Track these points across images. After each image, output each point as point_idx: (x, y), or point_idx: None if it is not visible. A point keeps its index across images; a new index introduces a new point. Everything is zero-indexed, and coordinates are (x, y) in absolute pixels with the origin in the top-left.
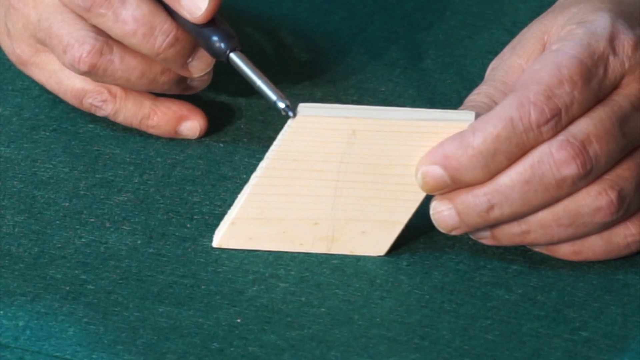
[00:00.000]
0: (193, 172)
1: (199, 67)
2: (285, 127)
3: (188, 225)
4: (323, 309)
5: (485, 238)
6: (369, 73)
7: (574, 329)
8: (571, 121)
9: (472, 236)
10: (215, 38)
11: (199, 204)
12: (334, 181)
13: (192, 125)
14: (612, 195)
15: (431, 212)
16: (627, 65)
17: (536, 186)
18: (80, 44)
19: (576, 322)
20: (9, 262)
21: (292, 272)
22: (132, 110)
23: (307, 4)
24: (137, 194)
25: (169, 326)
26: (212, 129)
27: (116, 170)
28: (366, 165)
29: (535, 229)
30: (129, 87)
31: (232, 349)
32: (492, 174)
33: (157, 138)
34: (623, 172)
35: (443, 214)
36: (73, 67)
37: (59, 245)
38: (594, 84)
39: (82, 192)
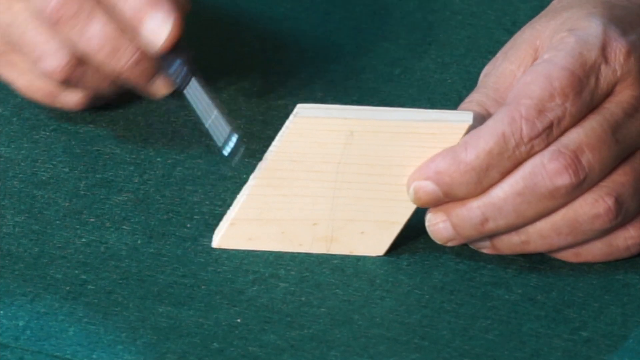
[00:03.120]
0: (193, 172)
1: (162, 88)
2: (284, 128)
3: (188, 225)
4: (323, 309)
5: (485, 248)
6: (369, 73)
7: (574, 329)
8: (563, 133)
9: (471, 246)
10: (177, 62)
11: (199, 204)
12: (333, 182)
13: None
14: (610, 201)
15: (426, 224)
16: (619, 73)
17: (529, 198)
18: (55, 54)
19: (576, 322)
20: (9, 262)
21: (292, 272)
22: (95, 78)
23: (307, 4)
24: (137, 194)
25: (169, 326)
26: None
27: (116, 170)
28: (365, 165)
29: (534, 239)
30: (96, 93)
31: (232, 349)
32: (485, 188)
33: (157, 138)
34: (619, 178)
35: (438, 226)
36: (47, 76)
37: (59, 245)
38: (585, 94)
39: (82, 192)
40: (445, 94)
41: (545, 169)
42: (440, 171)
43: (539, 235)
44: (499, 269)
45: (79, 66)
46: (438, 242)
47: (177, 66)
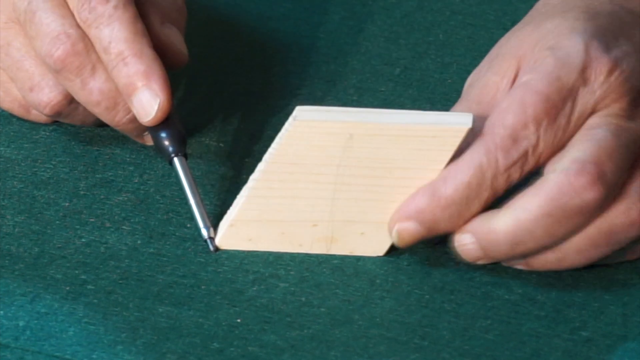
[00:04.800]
0: (193, 172)
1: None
2: (283, 131)
3: (188, 225)
4: (323, 309)
5: (519, 265)
6: (369, 73)
7: (574, 329)
8: (539, 159)
9: (504, 264)
10: (163, 135)
11: None
12: (332, 184)
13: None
14: None
15: (454, 243)
16: (598, 93)
17: (560, 217)
18: (50, 89)
19: (576, 322)
20: (9, 262)
21: (292, 272)
22: (82, 115)
23: (307, 4)
24: (137, 194)
25: (169, 326)
26: (212, 129)
27: (116, 170)
28: (364, 168)
29: (571, 255)
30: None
31: (232, 349)
32: (467, 219)
33: None
34: None
35: (467, 247)
36: (35, 107)
37: (59, 245)
38: (560, 119)
39: (82, 192)
40: (445, 94)
41: (573, 187)
42: (422, 209)
43: (575, 251)
44: (499, 269)
45: (71, 103)
46: (465, 261)
47: (165, 138)
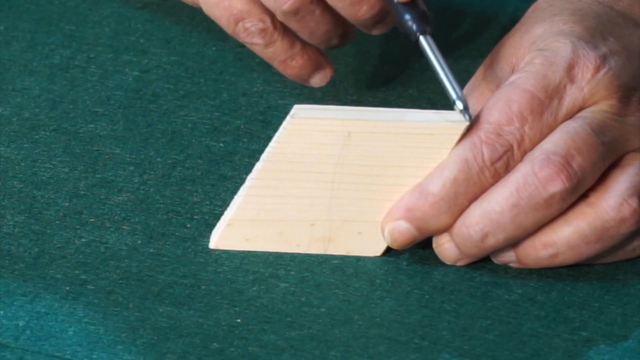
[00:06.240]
0: (193, 172)
1: (381, 29)
2: (281, 129)
3: (188, 225)
4: (323, 309)
5: (512, 263)
6: (369, 73)
7: (574, 329)
8: (524, 154)
9: (495, 260)
10: (407, 17)
11: (199, 204)
12: (330, 182)
13: (323, 74)
14: (634, 203)
15: (433, 245)
16: (586, 89)
17: (525, 208)
18: None
19: (576, 322)
20: (9, 262)
21: (292, 272)
22: (282, 47)
23: None
24: (137, 194)
25: (169, 326)
26: (212, 128)
27: (116, 170)
28: (362, 166)
29: (563, 251)
30: (305, 39)
31: (232, 349)
32: (456, 216)
33: (157, 138)
34: (635, 179)
35: (444, 246)
36: (273, 2)
37: (59, 245)
38: (547, 115)
39: (82, 192)
40: (445, 94)
41: (538, 178)
42: (411, 207)
43: (568, 247)
44: (499, 269)
45: (311, 2)
46: (447, 263)
47: (410, 18)
